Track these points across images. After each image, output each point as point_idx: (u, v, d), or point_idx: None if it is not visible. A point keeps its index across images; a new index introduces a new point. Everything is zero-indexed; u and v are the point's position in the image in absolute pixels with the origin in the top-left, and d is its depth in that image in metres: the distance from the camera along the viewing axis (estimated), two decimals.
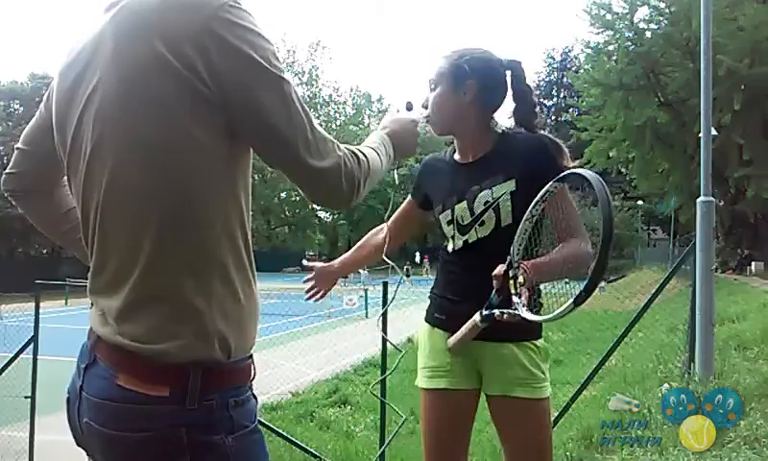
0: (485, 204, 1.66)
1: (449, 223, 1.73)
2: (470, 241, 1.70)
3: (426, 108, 1.73)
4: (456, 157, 1.80)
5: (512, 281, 1.48)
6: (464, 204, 1.70)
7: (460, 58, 1.69)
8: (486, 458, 3.90)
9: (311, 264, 2.00)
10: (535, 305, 1.47)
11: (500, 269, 1.51)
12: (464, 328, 1.63)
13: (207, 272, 0.95)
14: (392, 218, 1.88)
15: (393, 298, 1.88)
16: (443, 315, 1.75)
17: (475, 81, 1.67)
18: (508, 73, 1.72)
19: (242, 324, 1.00)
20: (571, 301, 1.30)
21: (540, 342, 1.72)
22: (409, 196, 1.95)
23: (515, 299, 1.46)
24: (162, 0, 0.93)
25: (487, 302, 1.55)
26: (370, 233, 2.02)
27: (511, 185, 1.64)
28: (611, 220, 1.25)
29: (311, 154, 0.97)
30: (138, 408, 0.91)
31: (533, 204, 1.51)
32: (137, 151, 0.92)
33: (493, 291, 1.53)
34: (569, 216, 1.59)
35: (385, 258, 1.81)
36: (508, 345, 1.67)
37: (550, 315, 1.40)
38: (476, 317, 1.58)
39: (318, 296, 1.99)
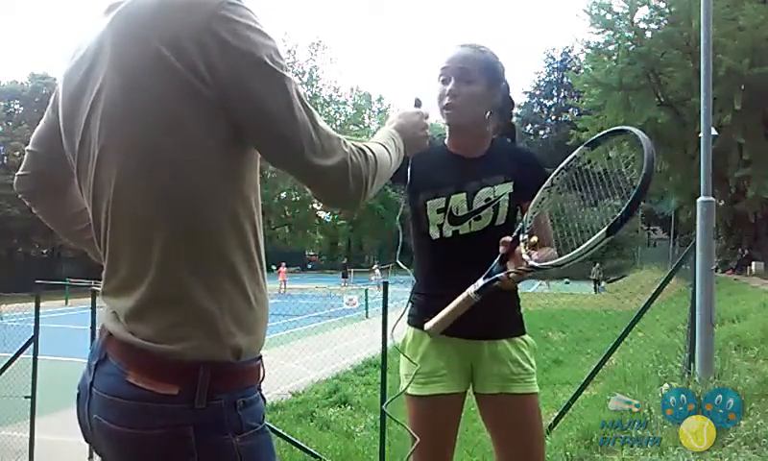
0: (486, 200, 1.68)
1: (440, 211, 1.70)
2: (462, 233, 1.69)
3: (452, 96, 1.65)
4: (451, 148, 1.78)
5: (522, 244, 1.47)
6: (462, 195, 1.69)
7: (495, 58, 1.71)
8: (486, 458, 3.89)
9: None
10: (511, 326, 1.53)
11: (507, 237, 1.50)
12: (452, 305, 1.56)
13: (217, 273, 0.95)
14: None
15: (401, 315, 1.77)
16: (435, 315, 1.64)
17: (503, 85, 1.74)
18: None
19: (252, 325, 1.00)
20: (604, 230, 1.27)
21: (527, 337, 1.74)
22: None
23: (525, 257, 1.45)
24: (161, 1, 0.93)
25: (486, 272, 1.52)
26: None
27: (509, 187, 1.70)
28: (652, 160, 1.28)
29: (315, 152, 0.95)
30: (147, 406, 0.92)
31: (556, 171, 1.52)
32: (142, 153, 0.92)
33: (496, 259, 1.51)
34: (547, 222, 1.69)
35: (399, 262, 1.69)
36: (502, 342, 1.68)
37: (576, 250, 1.35)
38: (470, 290, 1.53)
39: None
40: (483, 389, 1.71)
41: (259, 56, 0.91)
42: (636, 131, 1.36)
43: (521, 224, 1.51)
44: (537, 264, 1.42)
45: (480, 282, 1.52)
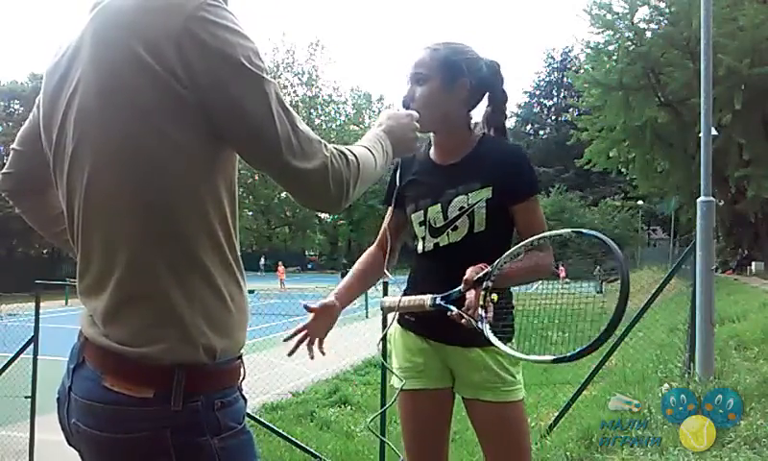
0: (459, 209, 1.63)
1: (421, 224, 1.69)
2: (441, 245, 1.66)
3: (409, 100, 1.62)
4: (432, 155, 1.73)
5: (483, 292, 1.42)
6: (437, 207, 1.65)
7: (454, 54, 1.63)
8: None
9: (313, 306, 1.64)
10: (503, 331, 1.45)
11: (475, 270, 1.44)
12: (407, 300, 1.61)
13: (188, 273, 0.94)
14: (382, 233, 1.82)
15: (392, 322, 1.80)
16: (412, 317, 1.70)
17: (468, 80, 1.63)
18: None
19: (228, 325, 0.98)
20: (551, 358, 1.30)
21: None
22: (389, 207, 1.82)
23: (480, 312, 1.40)
24: (141, 0, 0.92)
25: (446, 292, 1.49)
26: (364, 258, 1.85)
27: (487, 193, 1.61)
28: (627, 284, 1.20)
29: (294, 155, 0.94)
30: (124, 410, 0.91)
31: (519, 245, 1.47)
32: (114, 151, 0.92)
33: (460, 287, 1.46)
34: (540, 226, 1.61)
35: (386, 272, 1.76)
36: (475, 349, 1.63)
37: (521, 355, 1.40)
38: (427, 299, 1.52)
39: (312, 345, 1.69)
40: (460, 392, 1.72)
41: (237, 57, 0.90)
42: (593, 233, 1.30)
43: (491, 268, 1.43)
44: (485, 332, 1.38)
45: (438, 299, 1.50)
